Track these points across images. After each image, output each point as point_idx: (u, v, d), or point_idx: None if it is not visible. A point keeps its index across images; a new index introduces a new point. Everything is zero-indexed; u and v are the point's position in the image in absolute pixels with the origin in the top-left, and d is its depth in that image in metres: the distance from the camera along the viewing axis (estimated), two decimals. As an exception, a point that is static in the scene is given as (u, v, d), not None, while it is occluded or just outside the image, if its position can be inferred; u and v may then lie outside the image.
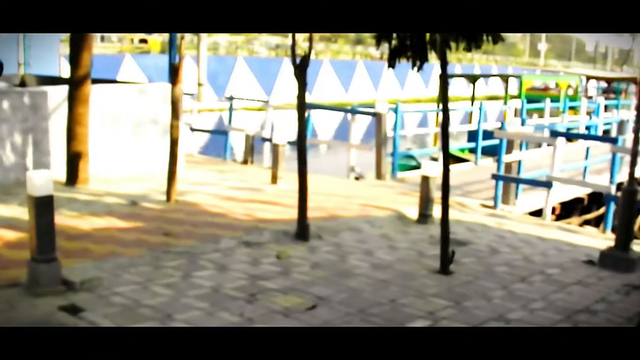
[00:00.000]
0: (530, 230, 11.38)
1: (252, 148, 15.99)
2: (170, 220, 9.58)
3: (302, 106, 9.18)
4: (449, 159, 8.53)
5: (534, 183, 12.97)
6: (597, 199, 16.16)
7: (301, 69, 9.03)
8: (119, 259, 7.76)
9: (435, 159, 19.01)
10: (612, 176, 11.75)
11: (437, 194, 11.20)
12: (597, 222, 16.31)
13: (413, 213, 11.49)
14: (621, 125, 17.66)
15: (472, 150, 18.56)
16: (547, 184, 12.30)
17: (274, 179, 12.92)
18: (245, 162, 15.97)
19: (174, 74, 10.35)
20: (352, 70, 48.26)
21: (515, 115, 19.26)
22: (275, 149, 12.95)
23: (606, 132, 20.96)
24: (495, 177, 12.69)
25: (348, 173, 15.39)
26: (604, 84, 35.90)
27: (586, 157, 15.76)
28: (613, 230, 11.99)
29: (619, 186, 12.88)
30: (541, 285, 8.33)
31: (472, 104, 23.69)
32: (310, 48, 8.99)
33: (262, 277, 7.69)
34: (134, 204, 10.33)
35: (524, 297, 7.83)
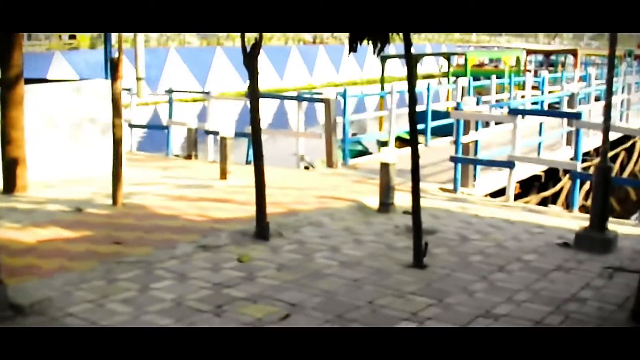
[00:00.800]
0: (496, 214, 10.94)
1: (195, 142, 15.27)
2: (120, 227, 8.86)
3: (255, 96, 8.55)
4: (417, 143, 7.98)
5: (495, 164, 12.56)
6: (553, 175, 15.86)
7: (252, 57, 8.39)
8: (68, 274, 7.04)
9: (384, 143, 18.53)
10: (576, 152, 11.37)
11: (396, 181, 10.75)
12: (554, 199, 16.04)
13: (373, 202, 10.97)
14: (571, 98, 17.34)
15: (421, 132, 18.08)
16: (509, 164, 11.87)
17: (223, 174, 12.26)
18: (188, 156, 15.26)
19: (113, 69, 9.58)
20: (286, 55, 47.47)
21: (462, 95, 18.84)
22: (222, 142, 12.29)
23: (551, 105, 20.72)
24: (454, 159, 12.22)
25: (297, 162, 14.79)
26: (540, 58, 35.96)
27: (540, 133, 15.40)
28: (580, 208, 11.66)
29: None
30: (521, 274, 7.87)
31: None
32: (261, 36, 8.35)
33: (226, 284, 7.06)
34: (79, 211, 9.58)
35: (507, 288, 7.35)
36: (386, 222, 10.01)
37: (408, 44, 7.62)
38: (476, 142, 12.82)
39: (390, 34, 7.51)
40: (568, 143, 17.18)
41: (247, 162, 14.97)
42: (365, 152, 18.89)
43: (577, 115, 11.30)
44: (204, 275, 7.29)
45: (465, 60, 21.91)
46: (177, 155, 16.42)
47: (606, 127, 9.12)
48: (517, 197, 14.38)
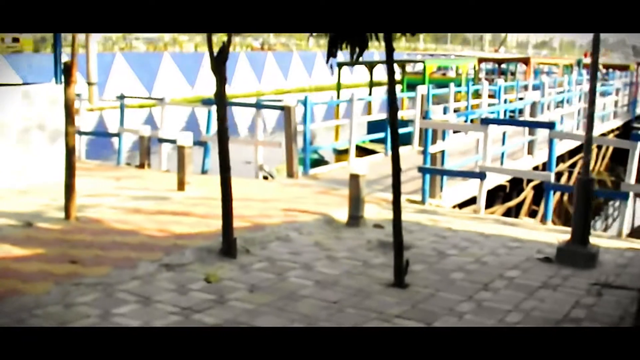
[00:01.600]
0: (469, 226, 10.49)
1: (148, 150, 14.57)
2: (75, 244, 8.16)
3: (223, 103, 7.95)
4: (398, 152, 7.47)
5: (466, 174, 12.12)
6: (517, 184, 15.52)
7: (220, 62, 7.80)
8: (21, 298, 6.33)
9: (341, 152, 18.05)
10: (550, 163, 10.97)
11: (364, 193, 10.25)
12: (517, 209, 15.71)
13: (341, 215, 10.44)
14: (534, 107, 17.04)
15: (380, 141, 17.63)
16: (480, 175, 11.43)
17: (181, 185, 11.60)
18: (141, 165, 14.55)
19: (67, 73, 8.87)
20: (234, 62, 46.71)
21: (421, 103, 18.41)
22: (180, 151, 11.63)
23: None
24: (423, 169, 11.75)
25: (256, 172, 14.19)
26: (489, 66, 35.85)
27: (503, 143, 15.04)
28: (553, 221, 11.29)
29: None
30: (508, 293, 7.42)
31: (370, 93, 22.84)
32: (229, 40, 7.78)
33: (196, 308, 6.44)
34: (29, 225, 8.84)
35: (496, 309, 6.88)
36: (357, 237, 9.48)
37: (390, 49, 7.14)
38: (443, 152, 12.38)
39: (369, 39, 7.06)
40: (529, 152, 16.91)
41: (203, 172, 14.33)
42: (321, 162, 18.38)
43: (551, 125, 10.92)
44: (171, 299, 6.67)
45: (424, 67, 21.51)
46: (128, 164, 15.69)
47: (588, 138, 8.75)
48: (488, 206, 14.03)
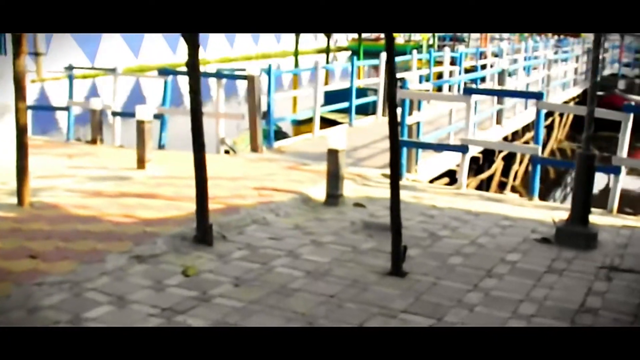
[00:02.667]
0: (454, 203, 9.87)
1: (100, 125, 13.62)
2: (32, 234, 7.29)
3: (196, 74, 7.14)
4: (396, 125, 6.77)
5: (447, 148, 11.48)
6: (489, 157, 14.95)
7: (193, 51, 6.99)
8: (-25, 303, 5.52)
9: (301, 123, 17.25)
10: (537, 135, 10.36)
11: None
12: (488, 181, 15.17)
13: (317, 193, 9.74)
14: (502, 75, 16.44)
15: (344, 111, 16.89)
16: (463, 148, 10.78)
17: (141, 163, 10.75)
18: (93, 141, 13.59)
19: (16, 43, 7.92)
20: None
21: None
22: (140, 126, 10.76)
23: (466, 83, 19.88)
24: (400, 142, 11.03)
25: (217, 147, 13.36)
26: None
27: (475, 113, 14.42)
28: (511, 189, 10.75)
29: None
30: (513, 279, 6.82)
31: (327, 61, 22.07)
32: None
33: (178, 308, 5.68)
34: (-23, 214, 7.96)
35: (506, 298, 6.28)
36: (339, 218, 8.78)
37: (390, 45, 6.50)
38: (418, 123, 11.71)
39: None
40: (497, 122, 16.34)
41: (160, 147, 13.44)
42: (279, 133, 17.55)
43: (539, 96, 10.28)
44: (147, 297, 5.89)
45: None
46: (78, 140, 14.72)
47: (590, 110, 8.14)
48: (456, 180, 13.43)
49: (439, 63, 22.17)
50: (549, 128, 22.07)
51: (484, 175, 14.61)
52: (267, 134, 13.35)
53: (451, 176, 13.12)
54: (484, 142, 11.74)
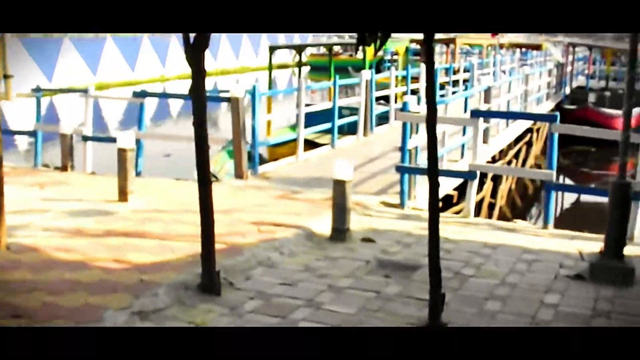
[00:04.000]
0: (466, 235, 9.13)
1: (71, 150, 12.63)
2: (13, 286, 6.32)
3: (202, 101, 6.30)
4: (435, 150, 5.98)
5: (454, 174, 10.71)
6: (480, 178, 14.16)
7: (198, 49, 6.15)
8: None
9: (278, 145, 16.34)
10: (550, 161, 9.64)
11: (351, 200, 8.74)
12: (479, 203, 14.45)
13: (319, 227, 8.95)
14: (487, 92, 15.76)
15: (325, 132, 16.08)
16: (471, 174, 10.03)
17: (123, 195, 9.82)
18: (63, 168, 12.58)
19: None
20: (138, 46, 44.08)
21: (366, 90, 16.94)
22: (121, 154, 9.83)
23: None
24: (401, 169, 10.29)
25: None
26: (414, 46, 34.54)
27: (463, 133, 13.72)
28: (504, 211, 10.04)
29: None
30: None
31: (299, 75, 21.25)
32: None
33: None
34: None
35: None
36: (350, 256, 7.98)
37: (430, 49, 5.74)
38: (416, 148, 10.95)
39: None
40: (484, 141, 15.65)
41: (137, 174, 12.49)
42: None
43: (554, 118, 9.56)
44: (159, 367, 5.00)
45: (364, 52, 19.96)
46: (46, 166, 13.70)
47: (626, 136, 7.44)
48: (452, 204, 12.68)
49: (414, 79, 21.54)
50: (528, 144, 21.52)
51: (477, 197, 13.87)
52: (251, 159, 12.47)
53: (447, 201, 12.40)
54: (494, 168, 11.02)
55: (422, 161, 11.33)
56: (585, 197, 17.34)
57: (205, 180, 6.38)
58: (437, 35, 41.87)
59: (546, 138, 23.78)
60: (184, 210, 9.43)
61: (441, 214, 10.58)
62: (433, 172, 5.91)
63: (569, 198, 18.79)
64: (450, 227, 9.52)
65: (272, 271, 7.31)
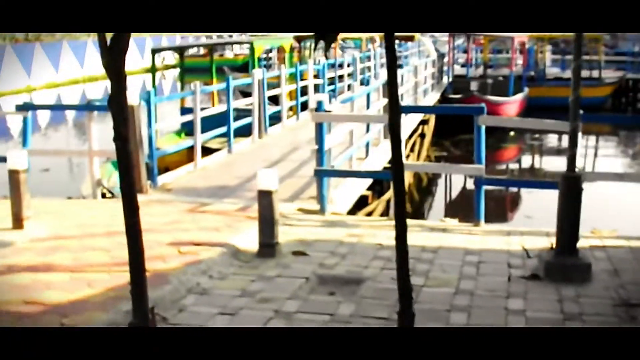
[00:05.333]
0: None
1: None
2: None
3: (123, 112, 5.43)
4: (401, 165, 5.31)
5: (381, 175, 10.13)
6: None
7: (116, 54, 5.27)
8: None
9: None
10: (478, 154, 9.15)
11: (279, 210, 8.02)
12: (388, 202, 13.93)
13: (243, 242, 8.22)
14: (385, 87, 15.28)
15: (218, 137, 15.25)
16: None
17: (18, 222, 8.76)
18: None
19: None
20: (1, 56, 41.72)
21: (259, 90, 16.17)
22: (14, 177, 8.77)
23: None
24: (320, 172, 9.63)
25: (93, 190, 11.43)
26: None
27: (367, 130, 13.20)
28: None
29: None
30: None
31: (181, 79, 20.35)
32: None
33: None
34: None
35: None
36: (287, 274, 7.28)
37: (391, 48, 5.06)
38: (329, 149, 10.31)
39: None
40: (385, 137, 15.19)
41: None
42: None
43: (480, 110, 9.02)
44: None
45: (252, 49, 19.15)
46: None
47: (574, 127, 7.03)
48: (359, 208, 12.07)
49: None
50: (422, 136, 21.26)
51: (385, 197, 13.36)
52: (149, 171, 11.54)
53: (361, 202, 11.84)
54: (421, 166, 10.48)
55: (336, 163, 10.74)
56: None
57: (132, 205, 5.51)
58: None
59: (434, 129, 23.82)
60: (89, 234, 8.51)
61: (366, 218, 10.02)
62: (399, 177, 5.24)
63: (457, 186, 18.62)
64: (380, 231, 8.94)
65: (206, 299, 6.53)
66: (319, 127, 9.65)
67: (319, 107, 9.73)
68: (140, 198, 10.42)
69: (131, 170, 5.47)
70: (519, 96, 27.57)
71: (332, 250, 8.09)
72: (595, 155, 23.89)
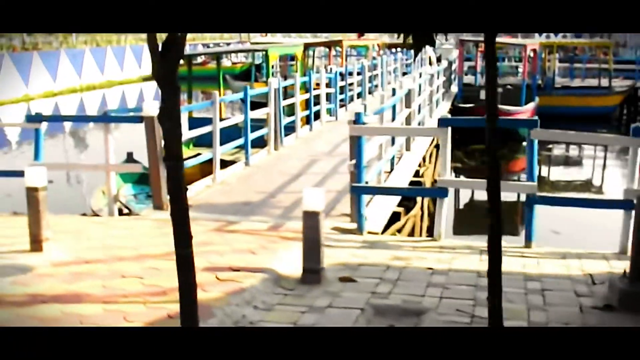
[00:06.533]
0: (449, 263, 7.95)
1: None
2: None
3: (178, 127, 4.81)
4: (498, 180, 4.75)
5: (427, 193, 9.50)
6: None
7: (171, 62, 4.64)
8: None
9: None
10: (531, 171, 8.52)
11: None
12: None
13: (284, 267, 7.61)
14: (408, 96, 14.71)
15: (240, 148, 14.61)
16: (441, 192, 8.84)
17: (37, 244, 8.09)
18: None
19: None
20: (-3, 65, 40.97)
21: (275, 99, 15.52)
22: (32, 195, 8.11)
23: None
24: (357, 189, 9.01)
25: (110, 206, 10.78)
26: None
27: (392, 143, 12.58)
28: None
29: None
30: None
31: (189, 87, 19.65)
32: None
33: None
34: None
35: None
36: (339, 304, 6.66)
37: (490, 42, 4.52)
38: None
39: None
40: (407, 149, 14.60)
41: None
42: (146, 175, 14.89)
43: (534, 123, 8.39)
44: None
45: (267, 57, 18.52)
46: None
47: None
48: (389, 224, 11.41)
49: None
50: (437, 147, 20.61)
51: (413, 212, 12.72)
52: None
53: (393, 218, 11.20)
54: (468, 183, 9.84)
55: (368, 179, 10.12)
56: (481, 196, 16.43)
57: (185, 233, 4.89)
58: (321, 37, 40.98)
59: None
60: (116, 258, 7.86)
61: (408, 238, 9.39)
62: (495, 197, 4.65)
63: (464, 198, 17.90)
64: (426, 253, 8.33)
65: (257, 334, 5.87)
66: (357, 141, 9.02)
67: (358, 119, 9.10)
68: (158, 215, 9.90)
69: (184, 196, 4.86)
70: (531, 105, 26.97)
71: (380, 275, 7.46)
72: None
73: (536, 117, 8.50)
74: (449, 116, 9.64)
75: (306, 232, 7.20)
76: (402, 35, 4.62)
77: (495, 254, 4.82)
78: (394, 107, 13.19)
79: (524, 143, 24.98)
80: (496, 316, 4.81)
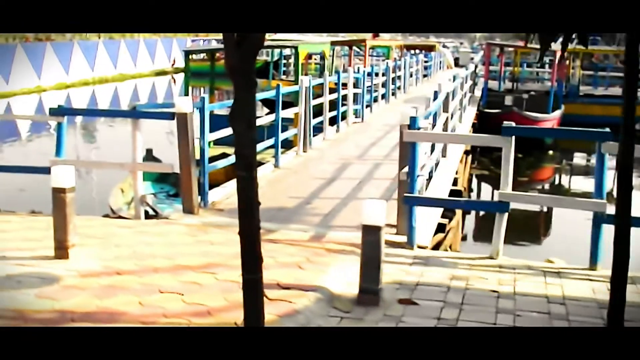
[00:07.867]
0: (515, 285, 7.22)
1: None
2: None
3: (252, 120, 4.11)
4: (630, 190, 4.07)
5: (478, 206, 8.75)
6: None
7: (247, 54, 3.94)
8: None
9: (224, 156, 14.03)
10: (600, 187, 7.79)
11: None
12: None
13: (336, 285, 6.90)
14: (446, 100, 13.97)
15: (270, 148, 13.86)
16: (502, 206, 8.11)
17: (63, 250, 7.38)
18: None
19: None
20: (11, 55, 40.18)
21: (305, 98, 14.78)
22: (59, 197, 7.39)
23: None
24: (410, 200, 8.28)
25: (137, 209, 10.05)
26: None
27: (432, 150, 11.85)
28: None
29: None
30: None
31: (212, 84, 18.98)
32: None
33: None
34: None
35: None
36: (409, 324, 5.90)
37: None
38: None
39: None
40: (443, 155, 13.86)
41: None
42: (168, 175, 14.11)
43: (606, 136, 7.64)
44: None
45: (297, 53, 17.80)
46: None
47: None
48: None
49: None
50: (467, 153, 19.91)
51: (452, 224, 11.99)
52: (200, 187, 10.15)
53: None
54: (533, 198, 9.10)
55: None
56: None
57: (254, 258, 4.21)
58: (341, 37, 40.21)
59: (472, 146, 22.47)
60: (150, 269, 7.15)
61: (464, 256, 8.65)
62: (626, 215, 3.96)
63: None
64: (484, 273, 7.62)
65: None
66: (412, 148, 8.29)
67: (413, 124, 8.37)
68: (191, 220, 9.15)
69: (255, 210, 4.17)
70: (557, 113, 26.21)
71: (442, 298, 6.74)
72: None
73: (607, 129, 7.74)
74: (476, 123, 8.82)
75: (365, 249, 6.49)
76: (530, 36, 4.22)
77: (620, 283, 4.12)
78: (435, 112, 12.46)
79: (550, 152, 24.59)
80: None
